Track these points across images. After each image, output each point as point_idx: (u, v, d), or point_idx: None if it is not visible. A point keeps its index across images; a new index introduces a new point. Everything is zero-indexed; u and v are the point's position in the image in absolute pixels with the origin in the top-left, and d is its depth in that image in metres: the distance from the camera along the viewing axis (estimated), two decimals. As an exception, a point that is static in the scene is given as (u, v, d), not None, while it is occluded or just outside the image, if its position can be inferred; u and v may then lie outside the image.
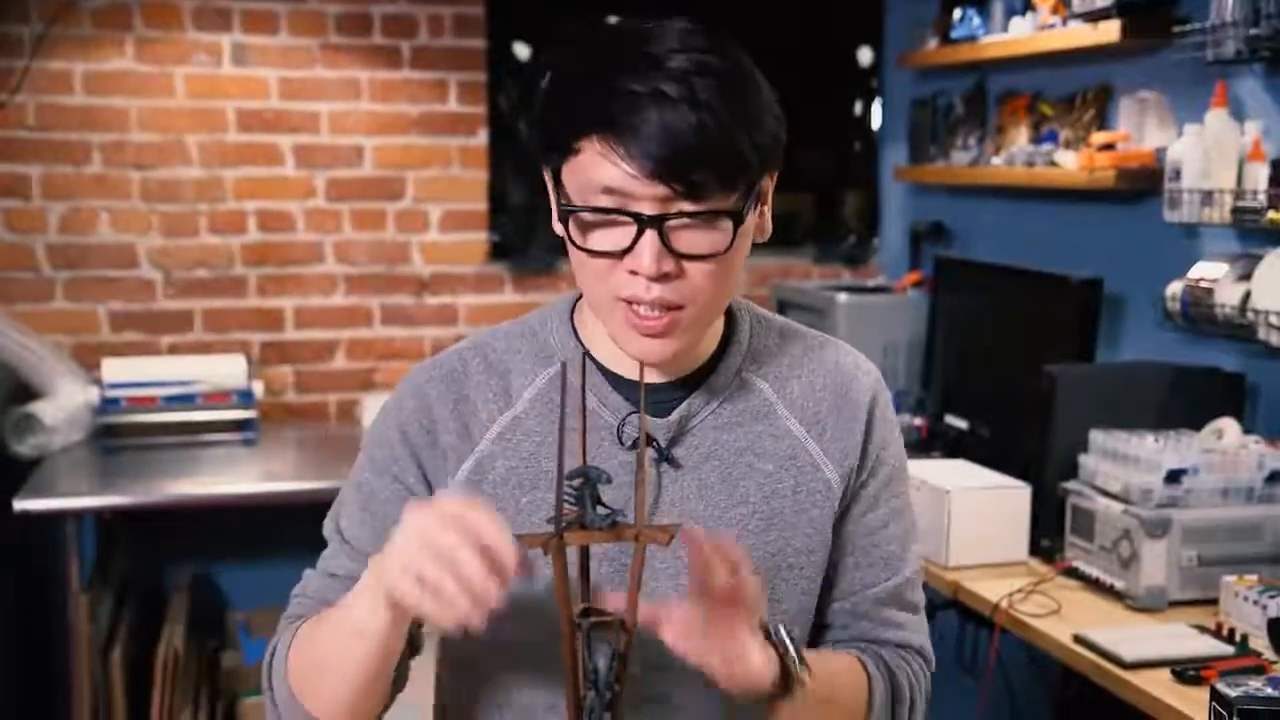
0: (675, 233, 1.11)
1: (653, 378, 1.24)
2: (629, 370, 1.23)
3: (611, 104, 1.08)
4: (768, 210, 1.21)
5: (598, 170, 1.10)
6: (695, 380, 1.26)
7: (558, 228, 1.19)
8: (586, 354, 1.24)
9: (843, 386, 1.30)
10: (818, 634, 1.35)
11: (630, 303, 1.14)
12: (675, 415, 1.24)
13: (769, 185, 1.20)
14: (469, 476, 1.23)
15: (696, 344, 1.23)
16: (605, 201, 1.11)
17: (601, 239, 1.13)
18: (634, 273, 1.12)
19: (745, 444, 1.25)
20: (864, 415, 1.29)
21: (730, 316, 1.30)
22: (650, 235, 1.10)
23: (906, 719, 1.30)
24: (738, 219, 1.12)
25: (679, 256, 1.11)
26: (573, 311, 1.29)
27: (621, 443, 1.23)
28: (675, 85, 1.08)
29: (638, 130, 1.07)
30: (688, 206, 1.10)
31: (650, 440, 1.22)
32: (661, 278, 1.11)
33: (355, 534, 1.27)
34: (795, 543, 1.26)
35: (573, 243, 1.15)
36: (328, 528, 1.31)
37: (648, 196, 1.09)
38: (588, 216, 1.12)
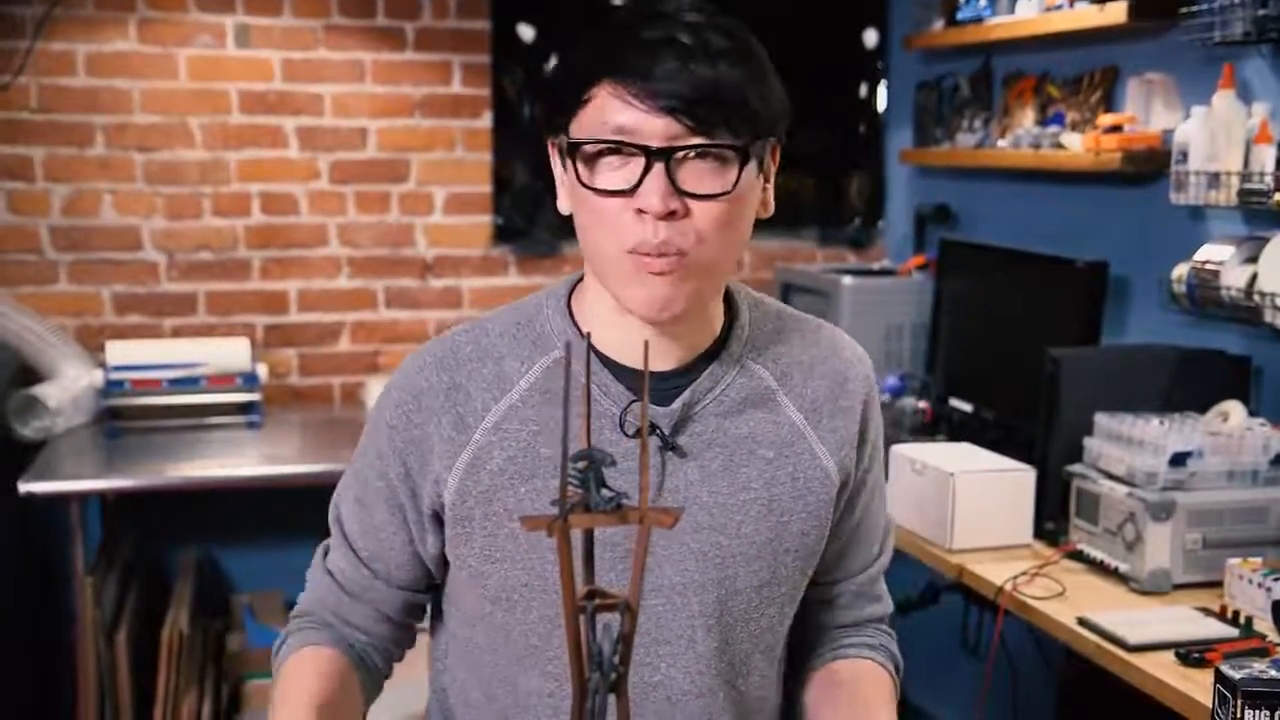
0: (682, 171, 1.12)
1: (657, 364, 1.24)
2: (630, 358, 1.23)
3: (625, 49, 1.11)
4: (770, 186, 1.22)
5: (608, 111, 1.11)
6: (698, 367, 1.25)
7: (563, 206, 1.20)
8: (589, 340, 1.25)
9: (840, 375, 1.31)
10: (823, 611, 1.39)
11: (638, 253, 1.14)
12: (678, 404, 1.23)
13: (772, 162, 1.21)
14: (466, 469, 1.23)
15: (701, 301, 1.20)
16: (614, 137, 1.12)
17: (609, 177, 1.13)
18: (640, 213, 1.12)
19: (747, 431, 1.25)
20: (860, 406, 1.32)
21: (730, 302, 1.30)
22: (658, 169, 1.10)
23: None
24: (744, 156, 1.13)
25: (685, 195, 1.12)
26: (569, 298, 1.28)
27: (624, 431, 1.22)
28: (689, 34, 1.11)
29: (650, 70, 1.10)
30: (696, 141, 1.11)
31: (654, 428, 1.22)
32: (668, 216, 1.11)
33: (351, 526, 1.31)
34: (792, 527, 1.27)
35: (580, 182, 1.14)
36: (331, 512, 1.34)
37: (657, 134, 1.10)
38: (593, 149, 1.13)
